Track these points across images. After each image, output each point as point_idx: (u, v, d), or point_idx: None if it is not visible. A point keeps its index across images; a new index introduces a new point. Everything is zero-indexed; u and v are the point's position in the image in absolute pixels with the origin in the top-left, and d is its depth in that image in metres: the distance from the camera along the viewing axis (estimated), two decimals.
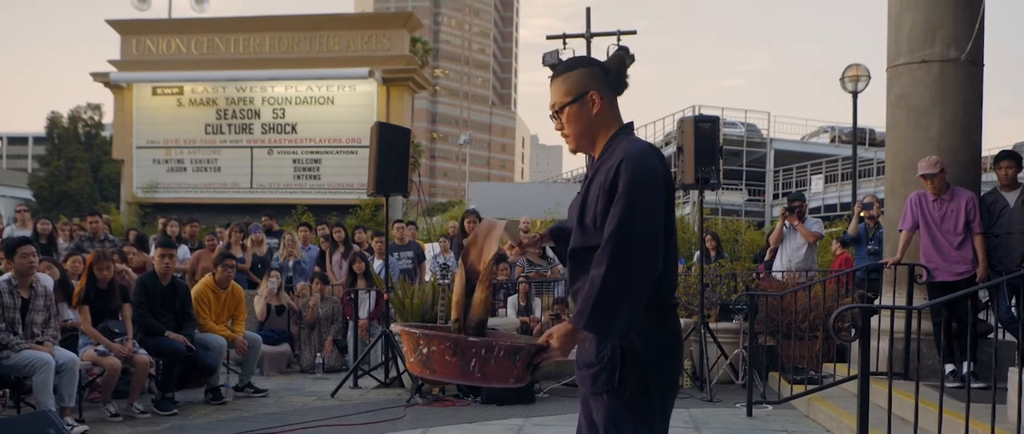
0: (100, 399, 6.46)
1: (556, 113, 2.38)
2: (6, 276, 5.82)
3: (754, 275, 9.36)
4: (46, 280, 6.20)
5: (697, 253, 11.18)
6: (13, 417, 5.14)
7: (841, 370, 6.28)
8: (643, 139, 2.39)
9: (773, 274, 8.85)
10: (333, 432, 5.66)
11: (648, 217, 2.14)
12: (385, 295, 7.85)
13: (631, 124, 2.40)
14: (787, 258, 8.81)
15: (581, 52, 8.35)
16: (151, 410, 6.46)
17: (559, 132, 2.41)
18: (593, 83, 2.34)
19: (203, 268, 8.84)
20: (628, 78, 2.38)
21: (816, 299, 7.21)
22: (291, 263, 10.39)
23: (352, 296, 9.03)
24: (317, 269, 10.05)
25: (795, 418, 6.07)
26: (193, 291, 7.24)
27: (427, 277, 9.28)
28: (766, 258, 9.79)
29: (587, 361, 2.28)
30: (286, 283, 9.75)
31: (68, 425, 5.08)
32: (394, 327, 2.43)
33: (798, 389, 6.24)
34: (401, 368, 7.64)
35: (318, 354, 9.07)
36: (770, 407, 6.38)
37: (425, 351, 2.11)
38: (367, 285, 9.10)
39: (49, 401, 5.40)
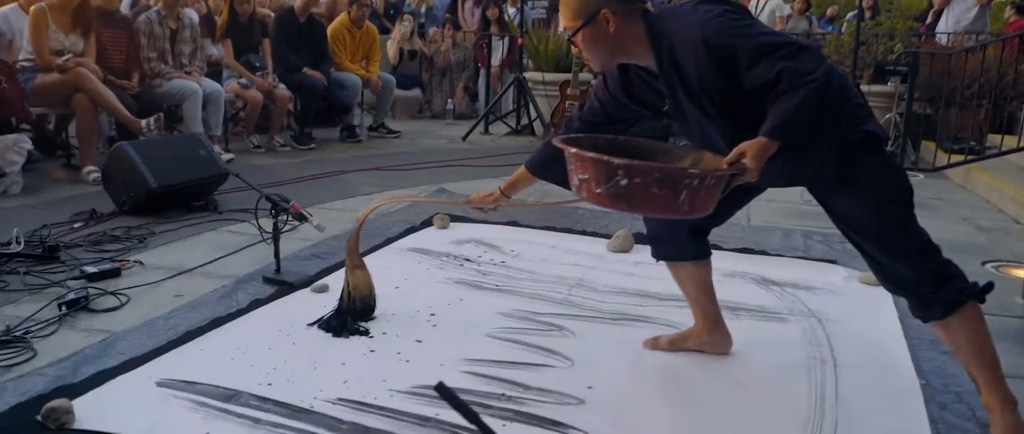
0: (243, 133, 6.72)
1: (570, 38, 2.02)
2: (155, 8, 5.91)
3: (915, 35, 8.57)
4: (191, 14, 6.27)
5: (851, 13, 10.34)
6: (170, 136, 5.41)
7: (1009, 141, 5.78)
8: (680, 6, 1.97)
9: (937, 36, 8.08)
10: (466, 172, 5.70)
11: (781, 40, 1.82)
12: (519, 40, 7.64)
13: (645, 6, 1.96)
14: (954, 19, 7.98)
15: None
16: (290, 144, 6.69)
17: (578, 55, 2.04)
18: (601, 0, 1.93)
19: (341, 9, 8.77)
20: None
21: (986, 64, 6.53)
22: (423, 9, 10.23)
23: (485, 43, 8.86)
24: (449, 15, 9.85)
25: (949, 188, 5.70)
26: (329, 29, 7.22)
27: (561, 29, 8.97)
28: (927, 21, 8.94)
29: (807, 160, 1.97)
30: (418, 29, 9.63)
31: (215, 152, 5.29)
32: (557, 143, 2.02)
33: (956, 159, 5.82)
34: (532, 115, 7.57)
35: (449, 100, 9.09)
36: (921, 175, 6.01)
37: (624, 183, 1.77)
38: (500, 32, 8.88)
39: (198, 128, 5.63)
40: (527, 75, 7.46)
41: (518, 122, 7.74)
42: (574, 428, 1.96)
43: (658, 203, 1.79)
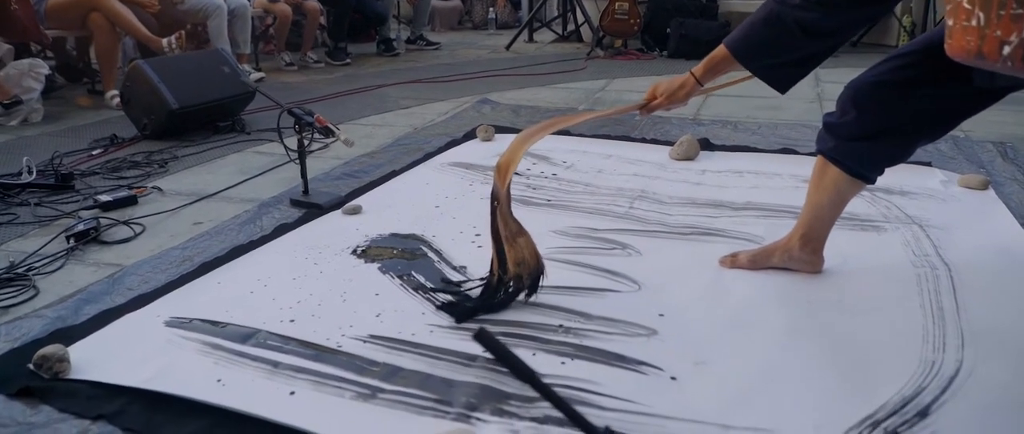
0: (274, 50, 6.41)
1: None
2: None
3: None
4: None
5: None
6: (190, 53, 5.12)
7: None
8: None
9: None
10: (510, 82, 5.33)
11: None
12: None
13: None
14: None
15: None
16: (324, 60, 6.37)
17: None
18: None
19: None
20: None
21: None
22: None
23: None
24: None
25: None
26: None
27: None
28: None
29: None
30: None
31: (246, 71, 5.00)
32: None
33: None
34: (579, 20, 7.11)
35: (490, 9, 8.64)
36: None
37: None
38: None
39: (225, 47, 5.32)
40: None
41: (565, 28, 7.29)
42: (646, 363, 1.64)
43: None
